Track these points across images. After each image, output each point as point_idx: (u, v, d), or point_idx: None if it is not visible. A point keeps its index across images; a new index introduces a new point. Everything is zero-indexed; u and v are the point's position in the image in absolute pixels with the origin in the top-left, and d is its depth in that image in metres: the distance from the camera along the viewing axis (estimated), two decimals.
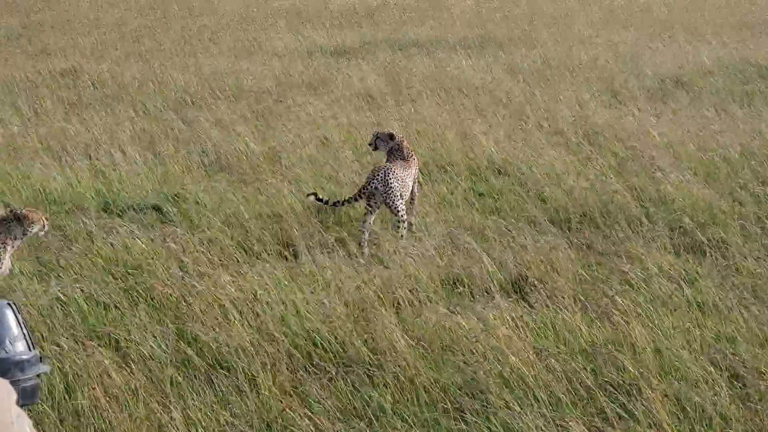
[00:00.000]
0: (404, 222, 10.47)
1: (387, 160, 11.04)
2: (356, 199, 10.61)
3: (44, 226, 8.84)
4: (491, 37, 24.50)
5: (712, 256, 9.79)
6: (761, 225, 10.58)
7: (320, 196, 10.81)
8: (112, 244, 10.15)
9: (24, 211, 8.82)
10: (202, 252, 9.86)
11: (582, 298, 8.67)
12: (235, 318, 8.31)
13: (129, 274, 9.44)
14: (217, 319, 8.31)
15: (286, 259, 9.82)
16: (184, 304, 8.63)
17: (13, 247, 8.83)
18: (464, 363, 7.50)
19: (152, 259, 9.76)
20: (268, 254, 9.89)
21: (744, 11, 29.50)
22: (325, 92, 18.03)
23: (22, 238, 8.77)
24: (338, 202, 10.77)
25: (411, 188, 10.80)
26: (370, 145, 11.35)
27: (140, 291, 9.03)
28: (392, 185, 10.47)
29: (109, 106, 17.33)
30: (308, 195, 10.86)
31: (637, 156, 13.12)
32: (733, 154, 12.99)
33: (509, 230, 10.36)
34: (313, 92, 18.03)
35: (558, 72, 19.59)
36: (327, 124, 15.25)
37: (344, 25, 27.39)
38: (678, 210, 11.03)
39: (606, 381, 7.28)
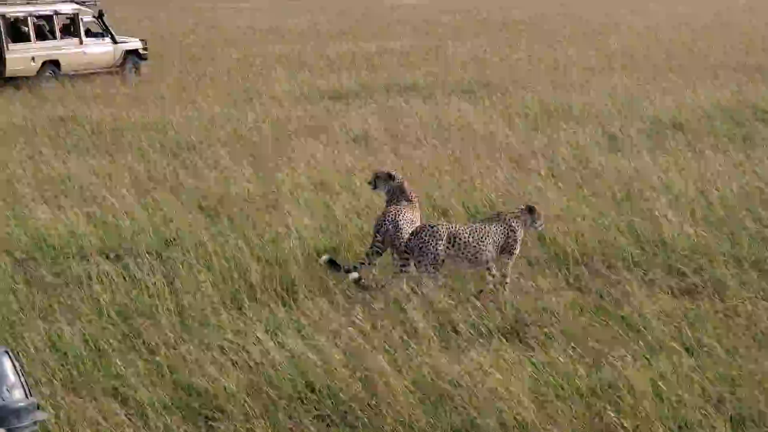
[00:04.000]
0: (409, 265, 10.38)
1: (388, 202, 10.98)
2: (374, 255, 10.37)
3: (543, 222, 10.41)
4: (489, 82, 24.57)
5: (710, 298, 9.78)
6: (759, 268, 10.56)
7: (334, 260, 10.32)
8: (111, 290, 10.14)
9: (535, 206, 10.41)
10: (201, 296, 9.84)
11: (580, 340, 8.63)
12: (232, 362, 8.28)
13: (127, 318, 9.42)
14: (215, 363, 8.28)
15: (286, 303, 9.79)
16: (181, 349, 8.60)
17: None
18: (462, 407, 7.46)
19: (151, 303, 9.74)
20: (269, 298, 9.87)
21: (740, 54, 29.62)
22: (323, 136, 18.06)
23: (528, 229, 10.29)
24: (354, 267, 10.18)
25: None
26: (369, 183, 11.33)
27: (137, 336, 9.01)
28: (402, 227, 10.42)
29: (108, 152, 17.37)
30: (322, 258, 10.37)
31: (636, 198, 13.14)
32: (731, 196, 13.00)
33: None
34: (311, 136, 18.06)
35: (555, 116, 19.64)
36: (325, 168, 15.27)
37: (342, 70, 27.48)
38: (676, 252, 11.02)
39: (606, 425, 7.24)
